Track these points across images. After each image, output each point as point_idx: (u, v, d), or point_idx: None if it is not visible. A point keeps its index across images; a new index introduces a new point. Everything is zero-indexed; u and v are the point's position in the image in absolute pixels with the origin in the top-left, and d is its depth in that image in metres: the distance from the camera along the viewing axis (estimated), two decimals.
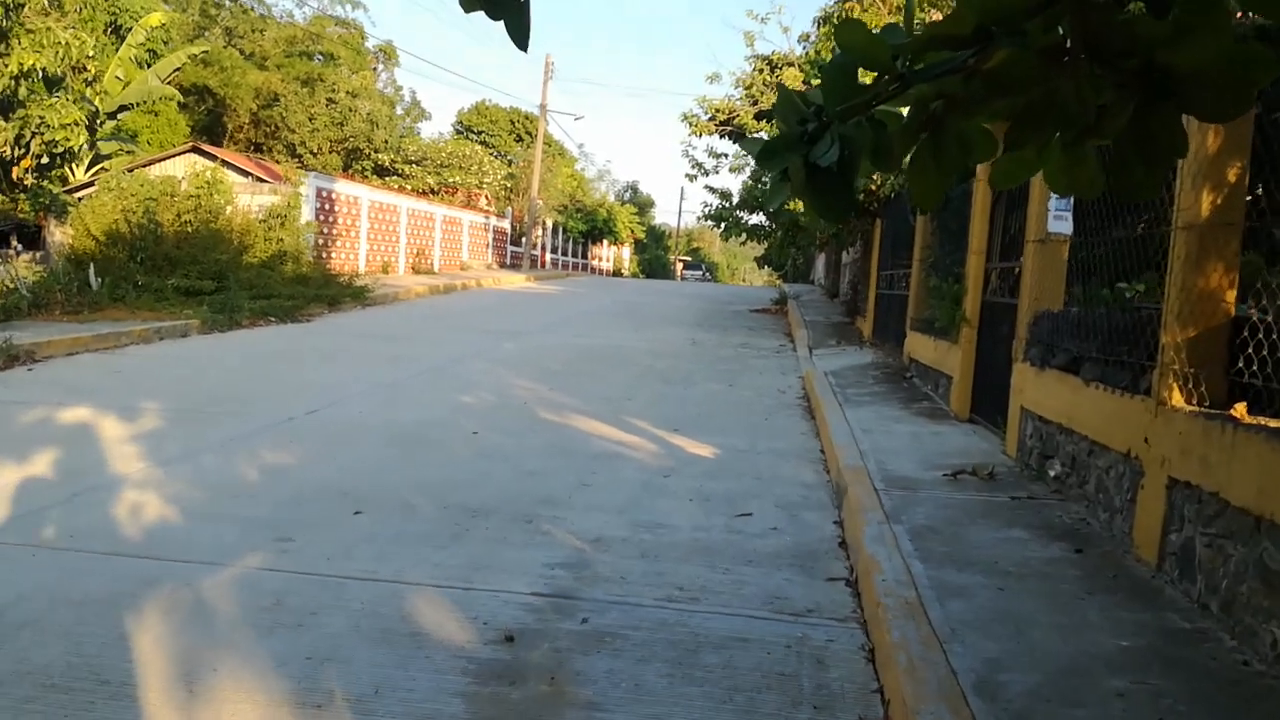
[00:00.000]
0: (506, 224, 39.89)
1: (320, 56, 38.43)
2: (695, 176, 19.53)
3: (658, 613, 3.81)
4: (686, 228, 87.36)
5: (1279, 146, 3.88)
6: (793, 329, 16.85)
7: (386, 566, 4.20)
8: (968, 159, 2.25)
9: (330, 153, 33.60)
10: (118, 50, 24.53)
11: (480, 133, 47.56)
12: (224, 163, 19.21)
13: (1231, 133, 3.96)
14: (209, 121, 32.38)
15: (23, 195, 17.97)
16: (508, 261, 39.61)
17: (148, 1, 27.30)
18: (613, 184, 72.30)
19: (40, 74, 14.85)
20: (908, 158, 2.20)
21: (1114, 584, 4.03)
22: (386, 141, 35.16)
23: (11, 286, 12.48)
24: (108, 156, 23.88)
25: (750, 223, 19.68)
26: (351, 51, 39.94)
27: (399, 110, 43.74)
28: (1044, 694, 3.04)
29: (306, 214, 21.10)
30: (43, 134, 15.13)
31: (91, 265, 13.93)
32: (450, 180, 35.60)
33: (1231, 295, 4.04)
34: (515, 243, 40.93)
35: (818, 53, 18.37)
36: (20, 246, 19.43)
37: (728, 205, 19.19)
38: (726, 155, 19.71)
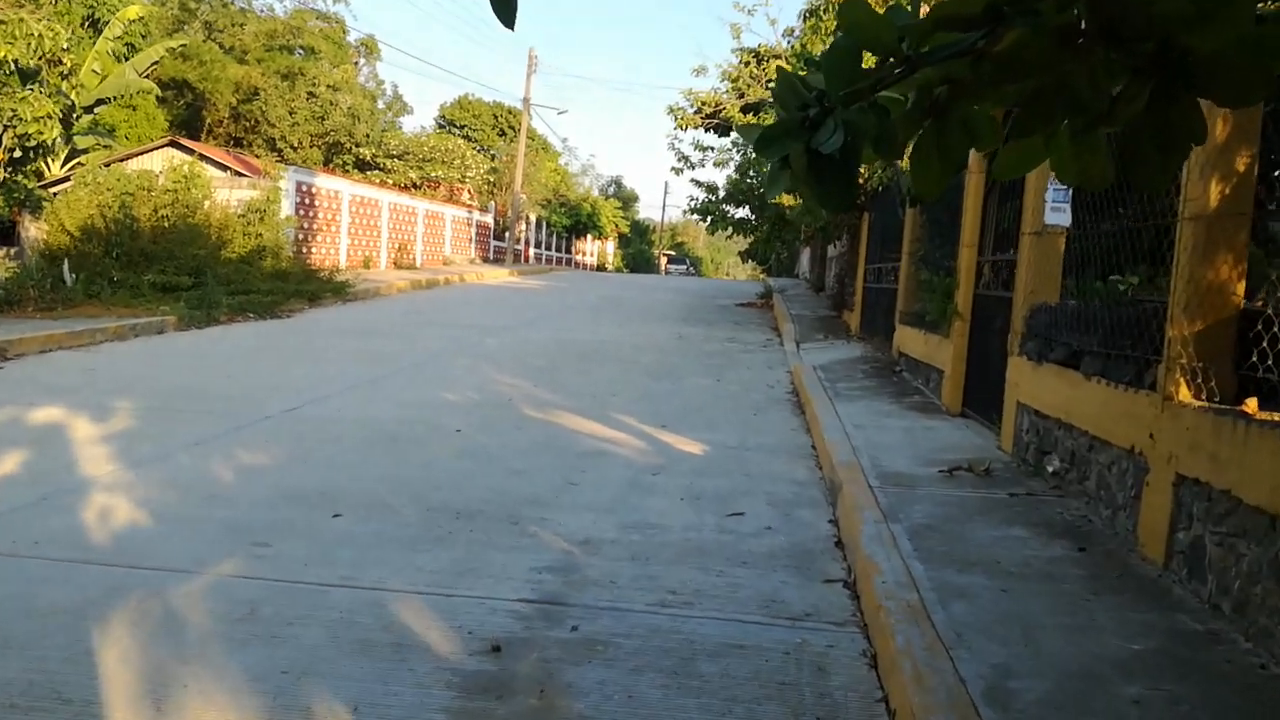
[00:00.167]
0: (490, 218, 39.63)
1: (301, 50, 38.01)
2: (681, 170, 19.40)
3: (650, 618, 3.66)
4: (670, 222, 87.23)
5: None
6: (779, 323, 16.72)
7: (367, 572, 4.04)
8: (972, 147, 2.11)
9: (311, 147, 33.23)
10: (95, 44, 24.15)
11: (463, 127, 47.26)
12: (202, 156, 18.93)
13: (1241, 120, 3.84)
14: (188, 116, 31.95)
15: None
16: (491, 256, 39.35)
17: None
18: (597, 178, 71.99)
19: (13, 67, 14.53)
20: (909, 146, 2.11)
21: (1120, 584, 3.91)
22: (368, 135, 34.81)
23: None
24: (84, 151, 23.50)
25: (736, 216, 19.53)
26: (333, 45, 39.55)
27: (380, 104, 43.39)
28: (1057, 702, 2.91)
29: (286, 208, 20.83)
30: (15, 127, 14.81)
31: (66, 261, 13.65)
32: (433, 174, 35.30)
33: (1241, 288, 3.92)
34: (499, 237, 40.67)
35: (804, 46, 18.25)
36: None
37: (714, 199, 19.05)
38: (712, 149, 19.58)
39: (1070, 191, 5.51)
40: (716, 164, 19.67)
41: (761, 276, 40.18)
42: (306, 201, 23.07)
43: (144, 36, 26.97)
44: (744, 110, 17.65)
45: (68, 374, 8.99)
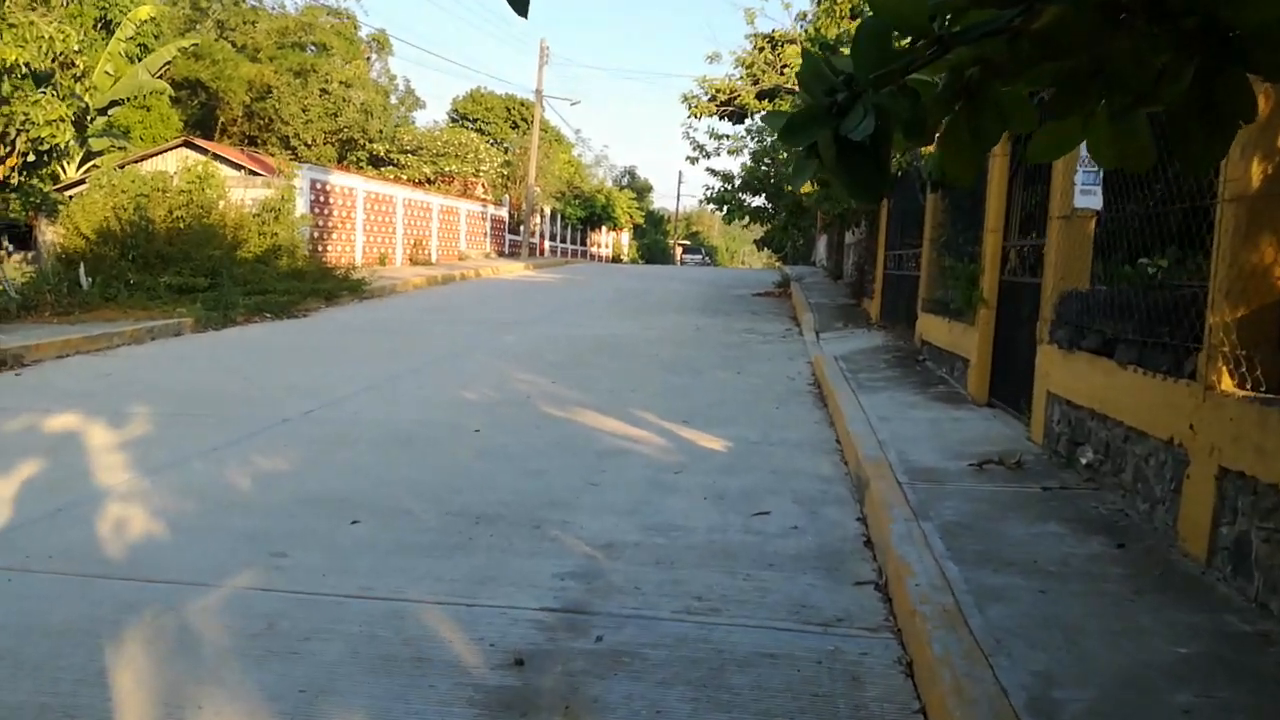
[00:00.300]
0: (504, 212, 39.55)
1: (313, 47, 37.99)
2: (696, 159, 19.24)
3: (677, 627, 3.55)
4: (685, 211, 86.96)
5: None
6: (798, 312, 16.56)
7: (386, 582, 3.95)
8: (1005, 129, 2.04)
9: (325, 144, 33.23)
10: (107, 45, 24.17)
11: (476, 120, 47.17)
12: (216, 156, 18.89)
13: None
14: (202, 116, 32.00)
15: (12, 195, 17.66)
16: (506, 250, 39.29)
17: None
18: (610, 169, 71.83)
19: (25, 70, 14.51)
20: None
21: (1162, 582, 3.77)
22: (381, 131, 34.77)
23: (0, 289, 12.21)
24: (99, 153, 23.55)
25: (753, 205, 19.35)
26: (344, 41, 39.50)
27: (393, 100, 43.29)
28: (1104, 712, 2.78)
29: (301, 207, 20.80)
30: (28, 131, 14.81)
31: (82, 264, 13.65)
32: (446, 169, 35.23)
33: None
34: (513, 231, 40.60)
35: (818, 30, 18.04)
36: (11, 247, 19.15)
37: (730, 188, 18.87)
38: (727, 137, 19.39)
39: (1101, 174, 5.35)
40: (731, 151, 19.43)
41: (777, 265, 39.94)
42: (321, 199, 23.05)
43: (156, 37, 27.02)
44: (759, 97, 17.45)
45: (84, 379, 8.95)
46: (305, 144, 32.46)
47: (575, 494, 5.36)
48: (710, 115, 18.78)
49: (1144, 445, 4.62)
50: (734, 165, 19.47)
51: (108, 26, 25.41)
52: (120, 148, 24.06)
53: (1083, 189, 5.54)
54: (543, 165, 42.19)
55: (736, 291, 22.33)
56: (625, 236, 62.41)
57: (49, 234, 18.06)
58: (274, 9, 39.99)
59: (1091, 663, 3.07)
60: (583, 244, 53.07)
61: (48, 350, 10.11)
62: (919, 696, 3.06)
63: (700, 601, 3.79)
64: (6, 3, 14.44)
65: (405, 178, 33.04)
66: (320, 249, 22.45)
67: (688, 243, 77.22)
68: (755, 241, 39.14)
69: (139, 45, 25.82)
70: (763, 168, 18.91)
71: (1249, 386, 3.77)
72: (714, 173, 18.91)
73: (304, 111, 32.46)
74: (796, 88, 17.57)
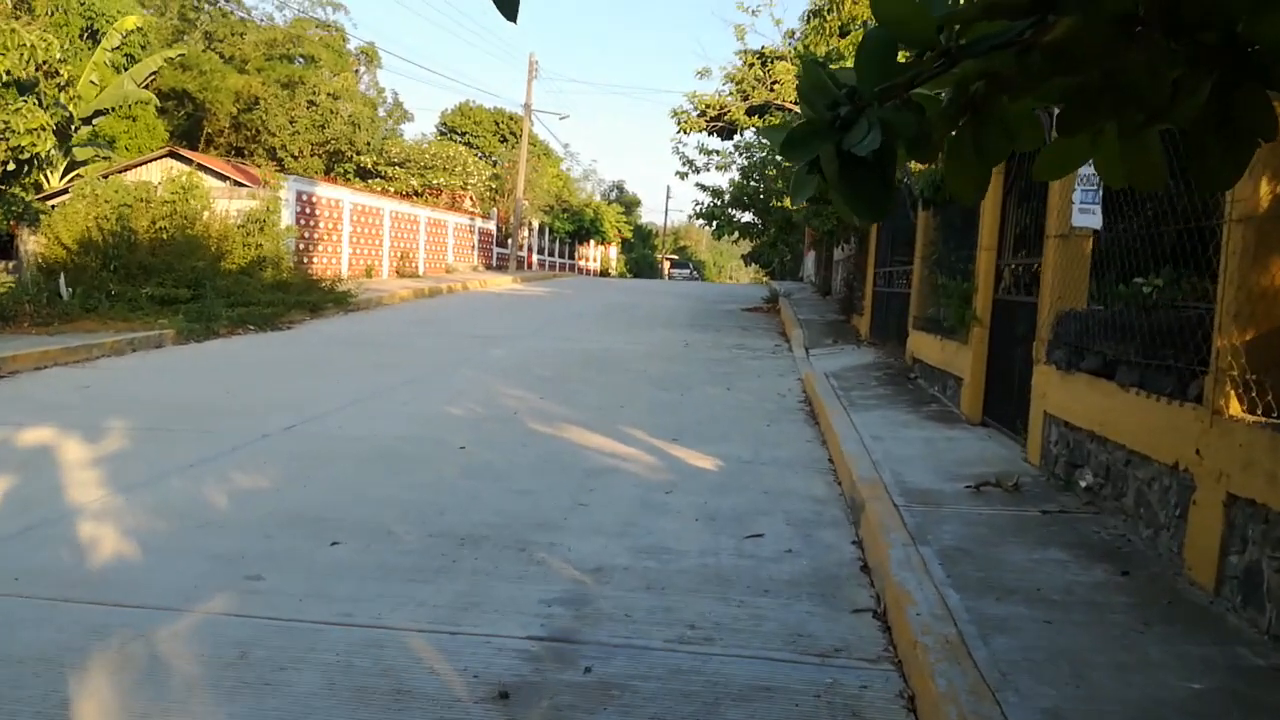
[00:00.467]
0: (492, 225, 39.40)
1: (301, 59, 37.82)
2: (685, 174, 19.18)
3: (669, 657, 3.41)
4: (673, 226, 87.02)
5: None
6: (787, 328, 16.47)
7: (365, 608, 3.79)
8: (1012, 147, 1.90)
9: (312, 156, 33.02)
10: (93, 55, 23.95)
11: (464, 134, 47.04)
12: (201, 167, 18.71)
13: None
14: (188, 126, 31.76)
15: None
16: (494, 263, 39.13)
17: (125, 5, 26.74)
18: (599, 183, 71.80)
19: (6, 77, 14.31)
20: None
21: (1170, 612, 3.65)
22: (369, 143, 34.58)
23: None
24: (84, 163, 23.30)
25: (742, 220, 19.28)
26: (333, 54, 39.34)
27: (381, 112, 43.17)
28: None
29: (286, 218, 20.62)
30: (8, 140, 14.60)
31: (62, 275, 13.44)
32: (434, 182, 35.06)
33: None
34: (501, 244, 40.44)
35: (807, 47, 18.03)
36: None
37: (719, 203, 18.80)
38: (717, 153, 19.32)
39: (1100, 192, 5.26)
40: (719, 167, 19.34)
41: (765, 280, 39.93)
42: (307, 211, 22.87)
43: (143, 47, 26.80)
44: (749, 112, 17.40)
45: (62, 392, 8.76)
46: (292, 155, 32.25)
47: (563, 514, 5.22)
48: (700, 130, 18.72)
49: (1147, 469, 4.52)
50: (723, 181, 19.38)
51: (94, 36, 25.21)
52: (105, 158, 23.81)
53: (1081, 207, 5.46)
54: (531, 179, 42.09)
55: (725, 307, 22.24)
56: (613, 251, 62.34)
57: (30, 244, 17.82)
58: (262, 21, 39.85)
59: (1102, 699, 2.95)
60: (571, 258, 52.97)
61: (25, 362, 9.91)
62: None
63: (693, 630, 3.65)
64: None
65: (393, 190, 32.87)
66: (306, 261, 22.26)
67: (676, 257, 77.19)
68: (743, 257, 39.14)
69: (125, 55, 25.60)
70: (752, 183, 18.85)
71: (1259, 412, 3.66)
72: (703, 188, 18.86)
73: (291, 123, 32.27)
74: (786, 104, 17.54)
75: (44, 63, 15.61)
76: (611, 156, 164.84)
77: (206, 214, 16.56)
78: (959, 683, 3.00)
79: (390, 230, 28.10)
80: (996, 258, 7.47)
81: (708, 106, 18.11)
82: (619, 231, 58.24)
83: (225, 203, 18.56)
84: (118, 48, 24.77)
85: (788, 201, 16.83)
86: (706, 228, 22.29)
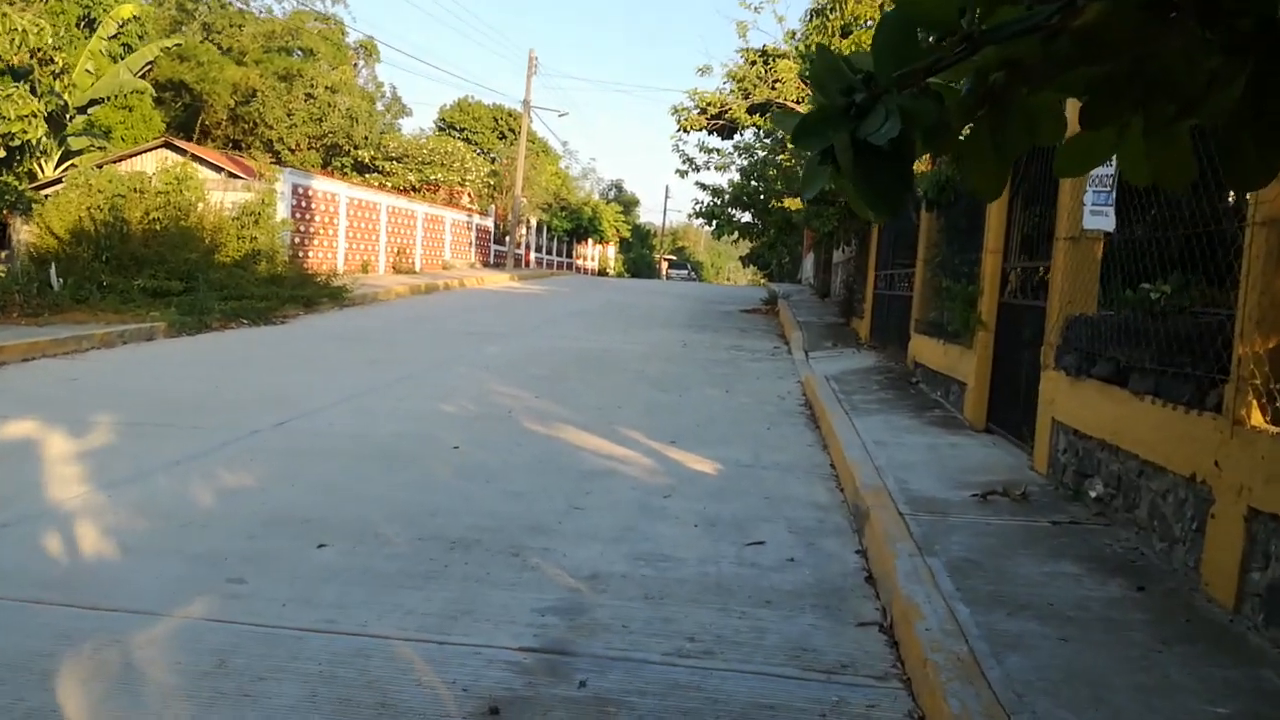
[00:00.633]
0: (490, 222, 39.24)
1: (299, 52, 37.57)
2: (685, 173, 19.01)
3: (668, 672, 3.26)
4: (672, 226, 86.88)
5: None
6: (786, 330, 16.33)
7: (351, 615, 3.64)
8: (1032, 140, 1.74)
9: (309, 149, 32.81)
10: (89, 43, 23.73)
11: (463, 130, 46.83)
12: (195, 158, 18.48)
13: None
14: (185, 118, 31.50)
15: None
16: (491, 260, 38.97)
17: None
18: (598, 182, 71.58)
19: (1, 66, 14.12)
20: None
21: (1189, 631, 3.51)
22: (366, 138, 34.38)
23: None
24: (79, 152, 23.08)
25: (742, 220, 19.13)
26: (331, 47, 39.10)
27: (379, 106, 42.94)
28: None
29: (282, 211, 20.43)
30: None
31: (53, 265, 13.25)
32: (432, 177, 34.88)
33: None
34: (499, 241, 40.28)
35: (808, 47, 17.89)
36: None
37: (719, 202, 18.65)
38: (717, 152, 19.16)
39: (1114, 194, 5.11)
40: (718, 167, 19.16)
41: (763, 282, 39.79)
42: (303, 204, 22.69)
43: (141, 37, 26.59)
44: (750, 111, 17.24)
45: (48, 384, 8.59)
46: (289, 149, 32.04)
47: (558, 518, 5.07)
48: (700, 129, 18.55)
49: (1161, 480, 4.38)
50: (722, 181, 19.24)
51: (90, 25, 24.99)
52: (100, 148, 23.59)
53: (1093, 209, 5.31)
54: (530, 176, 41.91)
55: (723, 308, 22.11)
56: (611, 250, 62.17)
57: (23, 233, 17.62)
58: (261, 13, 39.55)
59: None
60: (569, 256, 52.80)
61: (12, 353, 9.74)
62: None
63: (693, 643, 3.50)
64: None
65: (390, 185, 32.70)
66: (301, 255, 22.08)
67: (674, 258, 77.06)
68: (741, 258, 39.01)
69: (123, 45, 25.40)
70: (752, 183, 18.70)
71: None
72: (703, 187, 18.70)
73: (288, 116, 32.06)
74: (788, 103, 17.39)
75: (38, 49, 15.41)
76: (611, 155, 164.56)
77: (201, 206, 16.38)
78: (973, 705, 2.85)
79: (387, 225, 27.93)
80: (1002, 261, 7.33)
81: (709, 104, 17.95)
82: (617, 231, 58.07)
83: (220, 195, 18.37)
84: (114, 36, 24.57)
85: (787, 202, 16.70)
86: (706, 227, 22.12)
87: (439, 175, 34.96)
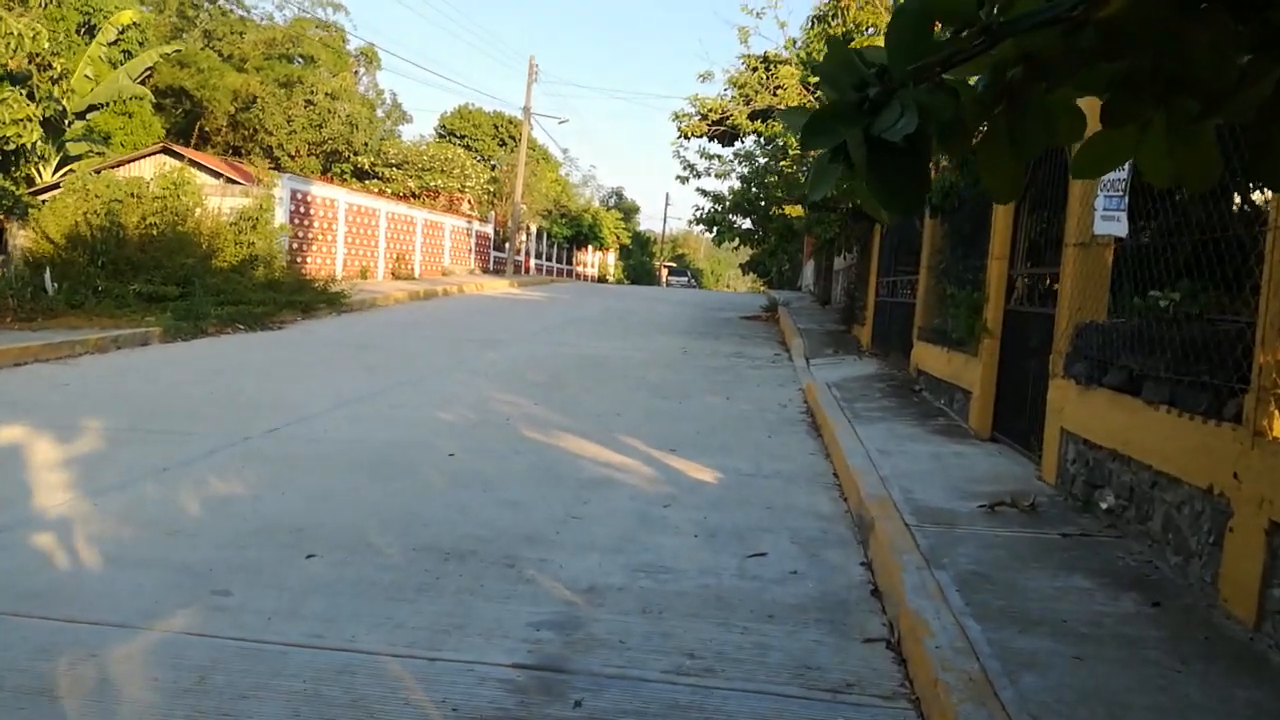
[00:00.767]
0: (490, 229, 39.15)
1: (300, 59, 37.53)
2: (686, 179, 18.90)
3: (667, 691, 3.13)
4: (672, 233, 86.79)
5: None
6: (787, 337, 16.21)
7: (338, 630, 3.50)
8: (1050, 139, 1.67)
9: (309, 155, 32.71)
10: (88, 49, 23.64)
11: (463, 136, 46.74)
12: (192, 163, 18.40)
13: None
14: (185, 124, 31.41)
15: None
16: (491, 267, 38.87)
17: (123, 1, 26.41)
18: (598, 189, 71.37)
19: None
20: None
21: (1208, 649, 3.38)
22: (366, 144, 34.28)
23: None
24: (77, 158, 22.97)
25: (743, 227, 19.01)
26: (332, 54, 39.05)
27: (380, 113, 42.88)
28: None
29: (280, 217, 20.33)
30: None
31: (47, 269, 13.13)
32: (432, 184, 34.78)
33: None
34: (499, 248, 40.18)
35: (809, 54, 17.81)
36: None
37: (720, 209, 18.53)
38: (718, 158, 19.05)
39: (1126, 198, 5.00)
40: (718, 175, 19.02)
41: (763, 289, 39.68)
42: (301, 210, 22.58)
43: (141, 44, 26.50)
44: (751, 117, 17.14)
45: (39, 390, 8.47)
46: (289, 155, 31.94)
47: (555, 528, 4.94)
48: (701, 135, 18.44)
49: (1176, 492, 4.25)
50: (723, 189, 19.13)
51: (90, 31, 24.90)
52: (99, 153, 23.48)
53: (1104, 214, 5.19)
54: (530, 183, 41.83)
55: (724, 314, 21.99)
56: (611, 257, 62.07)
57: (20, 238, 17.51)
58: (262, 20, 39.57)
59: None
60: (569, 263, 52.70)
61: (4, 358, 9.62)
62: None
63: (693, 660, 3.37)
64: None
65: (390, 191, 32.61)
66: (299, 260, 21.97)
67: (674, 265, 76.95)
68: (741, 265, 38.91)
69: (123, 51, 25.30)
70: (752, 190, 18.59)
71: None
72: (704, 193, 18.60)
73: (288, 122, 31.96)
74: (788, 109, 17.31)
75: (36, 55, 15.32)
76: (611, 162, 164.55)
77: (198, 211, 16.27)
78: None
79: (386, 231, 27.84)
80: (1008, 267, 7.21)
81: (710, 110, 17.85)
82: (617, 238, 57.96)
83: (218, 200, 18.26)
84: (114, 43, 24.47)
85: (788, 209, 16.58)
86: (707, 234, 22.00)
87: (439, 182, 34.86)
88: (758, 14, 16.83)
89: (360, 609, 3.71)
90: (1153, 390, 4.49)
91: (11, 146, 14.61)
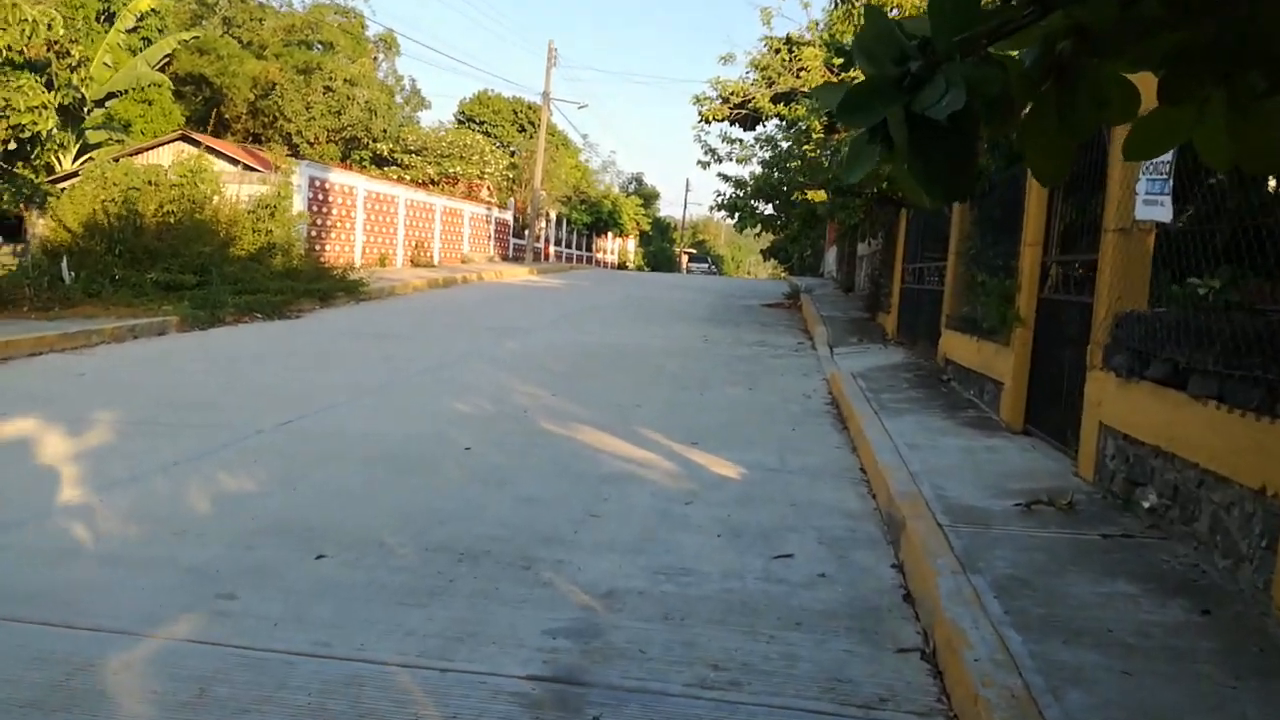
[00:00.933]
0: (509, 215, 39.01)
1: (319, 45, 37.42)
2: (708, 164, 18.63)
3: (690, 706, 2.96)
4: (692, 220, 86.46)
5: None
6: (810, 325, 15.98)
7: (346, 637, 3.36)
8: (1101, 117, 1.58)
9: (328, 142, 32.63)
10: (107, 36, 23.63)
11: (482, 122, 46.57)
12: (209, 149, 18.34)
13: None
14: (205, 111, 31.40)
15: (4, 184, 17.10)
16: (510, 254, 38.74)
17: None
18: (617, 175, 71.06)
19: (9, 53, 13.91)
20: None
21: (1264, 663, 3.18)
22: (385, 131, 34.17)
23: None
24: (97, 146, 23.01)
25: (765, 213, 18.74)
26: (351, 40, 38.92)
27: (399, 99, 42.72)
28: None
29: (298, 204, 20.25)
30: (8, 117, 14.24)
31: (64, 258, 13.09)
32: (451, 170, 34.65)
33: None
34: (518, 235, 40.04)
35: (833, 35, 17.51)
36: (0, 239, 18.60)
37: (742, 194, 18.28)
38: (739, 142, 18.78)
39: (1171, 182, 4.76)
40: (739, 160, 18.73)
41: (784, 275, 39.38)
42: (320, 197, 22.50)
43: (161, 31, 26.48)
44: (774, 100, 16.88)
45: (53, 380, 8.39)
46: (308, 142, 31.88)
47: (573, 527, 4.77)
48: (723, 119, 18.19)
49: (1224, 492, 4.03)
50: (744, 173, 18.86)
51: (109, 19, 24.88)
52: (119, 141, 23.52)
53: (1147, 198, 4.96)
54: (549, 169, 41.64)
55: (745, 302, 21.77)
56: (631, 243, 61.85)
57: (39, 226, 17.52)
58: (281, 6, 39.44)
59: None
60: (588, 250, 52.51)
61: (19, 348, 9.55)
62: None
63: (717, 671, 3.20)
64: None
65: (409, 178, 32.50)
66: (318, 248, 21.90)
67: (694, 251, 76.58)
68: (762, 251, 38.61)
69: (142, 39, 25.30)
70: (775, 175, 18.32)
71: None
72: (725, 178, 18.34)
73: (307, 109, 31.87)
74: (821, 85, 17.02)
75: (54, 42, 15.26)
76: (631, 148, 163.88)
77: (216, 198, 16.20)
78: None
79: (405, 219, 27.74)
80: (1042, 253, 6.97)
81: (732, 93, 17.59)
82: (637, 224, 57.72)
83: (235, 187, 18.19)
84: (133, 30, 24.47)
85: (811, 194, 16.30)
86: (727, 220, 21.75)
87: (458, 168, 34.73)
88: None
89: (370, 614, 3.56)
90: (1200, 384, 4.27)
91: (27, 134, 14.56)
